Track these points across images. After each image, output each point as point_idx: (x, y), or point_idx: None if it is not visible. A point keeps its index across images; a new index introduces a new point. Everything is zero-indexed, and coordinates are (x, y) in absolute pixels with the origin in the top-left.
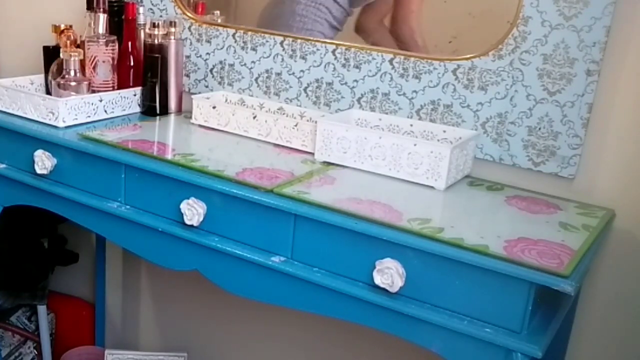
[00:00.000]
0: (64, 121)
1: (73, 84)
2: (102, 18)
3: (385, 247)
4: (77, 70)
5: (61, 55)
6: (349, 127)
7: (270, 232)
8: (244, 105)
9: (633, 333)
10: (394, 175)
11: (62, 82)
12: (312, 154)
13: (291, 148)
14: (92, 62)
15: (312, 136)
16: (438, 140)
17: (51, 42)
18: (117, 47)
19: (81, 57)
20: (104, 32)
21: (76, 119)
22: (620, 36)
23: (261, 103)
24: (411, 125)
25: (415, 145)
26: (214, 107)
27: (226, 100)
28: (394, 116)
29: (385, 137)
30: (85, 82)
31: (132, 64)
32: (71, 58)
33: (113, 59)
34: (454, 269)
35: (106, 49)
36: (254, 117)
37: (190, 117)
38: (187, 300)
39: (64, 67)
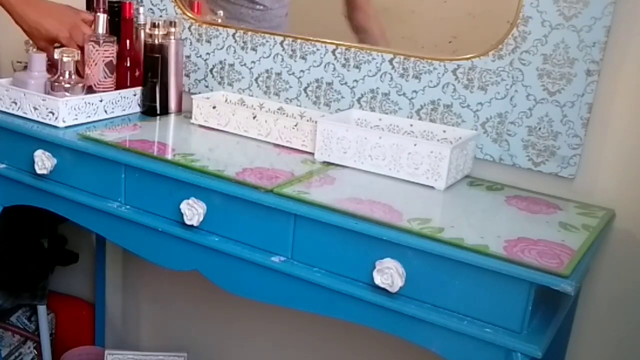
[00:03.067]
0: (64, 121)
1: (67, 85)
2: (102, 18)
3: (385, 247)
4: (72, 72)
5: (55, 56)
6: (349, 127)
7: (270, 232)
8: (244, 105)
9: (633, 333)
10: (394, 175)
11: (56, 83)
12: (312, 154)
13: (291, 148)
14: (93, 62)
15: (312, 136)
16: (438, 140)
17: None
18: (116, 47)
19: (75, 58)
20: (104, 32)
21: (76, 119)
22: (620, 36)
23: (261, 103)
24: (411, 125)
25: (415, 145)
26: (214, 107)
27: (226, 100)
28: (394, 116)
29: (385, 137)
30: (80, 84)
31: (128, 64)
32: (64, 59)
33: (113, 59)
34: (454, 269)
35: (106, 49)
36: (254, 117)
37: (190, 117)
38: (187, 301)
39: (59, 68)
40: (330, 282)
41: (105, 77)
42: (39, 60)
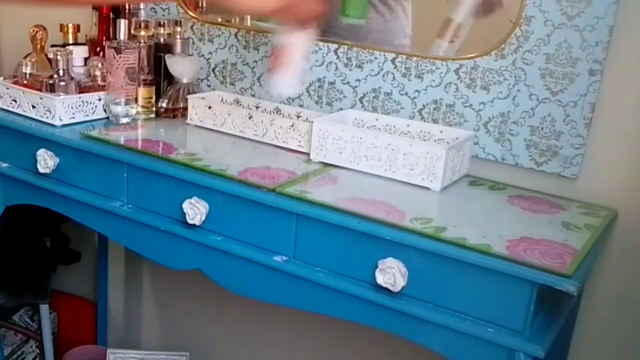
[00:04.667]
0: (60, 119)
1: (62, 83)
2: (123, 24)
3: (388, 246)
4: (66, 70)
5: (49, 54)
6: (345, 127)
7: (273, 232)
8: (240, 105)
9: (635, 333)
10: (390, 176)
11: (50, 82)
12: (309, 154)
13: (287, 149)
14: (114, 69)
15: (308, 137)
16: (435, 141)
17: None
18: (136, 54)
19: (68, 56)
20: (125, 38)
21: (73, 117)
22: (623, 36)
23: (257, 103)
24: (408, 125)
25: (410, 145)
26: (209, 107)
27: (222, 101)
28: (391, 116)
29: (381, 138)
30: (74, 83)
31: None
32: (58, 58)
33: (135, 65)
34: (456, 269)
35: (127, 56)
36: (250, 118)
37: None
38: (189, 300)
39: (53, 66)
40: (332, 281)
41: (126, 85)
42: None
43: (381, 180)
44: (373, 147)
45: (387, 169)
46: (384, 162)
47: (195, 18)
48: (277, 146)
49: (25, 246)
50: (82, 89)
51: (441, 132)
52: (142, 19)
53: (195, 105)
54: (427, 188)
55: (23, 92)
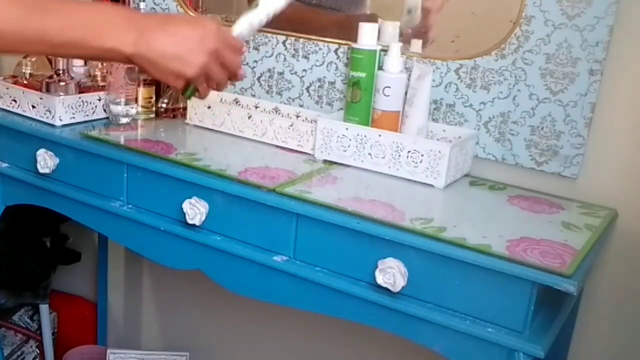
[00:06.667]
0: (60, 119)
1: (62, 83)
2: None
3: (388, 246)
4: (66, 70)
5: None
6: (349, 125)
7: (273, 232)
8: (239, 105)
9: (635, 333)
10: (394, 174)
11: (50, 82)
12: (308, 154)
13: (287, 148)
14: (115, 68)
15: (307, 136)
16: (438, 139)
17: None
18: None
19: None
20: None
21: (73, 117)
22: (623, 35)
23: (256, 103)
24: None
25: (414, 143)
26: (208, 107)
27: (221, 101)
28: None
29: (385, 136)
30: (74, 83)
31: None
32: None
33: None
34: (456, 269)
35: None
36: (249, 117)
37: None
38: (189, 300)
39: (53, 66)
40: (332, 281)
41: (126, 85)
42: None
43: (385, 178)
44: (377, 144)
45: (391, 166)
46: (388, 160)
47: None
48: (276, 146)
49: (25, 246)
50: (82, 89)
51: (444, 130)
52: None
53: (195, 105)
54: (431, 185)
55: (23, 92)
